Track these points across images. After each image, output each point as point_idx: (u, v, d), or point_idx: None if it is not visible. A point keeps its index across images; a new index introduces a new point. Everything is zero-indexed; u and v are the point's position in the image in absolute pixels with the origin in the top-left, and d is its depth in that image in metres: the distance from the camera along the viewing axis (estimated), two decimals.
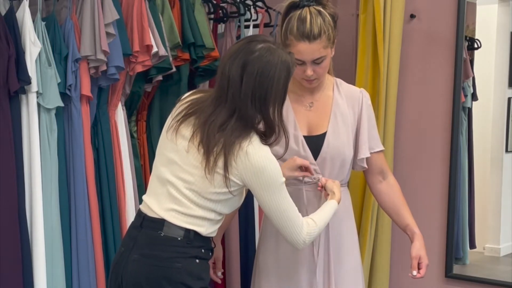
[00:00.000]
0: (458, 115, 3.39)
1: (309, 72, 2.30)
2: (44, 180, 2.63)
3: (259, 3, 3.58)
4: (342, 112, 2.44)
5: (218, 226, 2.19)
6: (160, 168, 2.15)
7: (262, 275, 2.49)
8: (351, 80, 3.33)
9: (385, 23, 3.34)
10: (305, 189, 2.40)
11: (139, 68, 2.88)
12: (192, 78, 3.22)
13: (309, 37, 2.25)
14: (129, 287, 2.11)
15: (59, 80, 2.66)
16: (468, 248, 3.57)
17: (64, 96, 2.69)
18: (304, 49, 2.26)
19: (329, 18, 2.30)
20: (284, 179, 2.11)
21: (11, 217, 2.54)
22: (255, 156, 2.03)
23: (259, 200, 2.12)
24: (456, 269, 3.48)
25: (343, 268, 2.45)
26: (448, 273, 3.46)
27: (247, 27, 3.48)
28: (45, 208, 2.63)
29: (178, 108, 2.16)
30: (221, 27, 3.50)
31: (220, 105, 2.05)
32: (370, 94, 3.33)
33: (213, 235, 2.19)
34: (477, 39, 3.47)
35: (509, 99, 3.49)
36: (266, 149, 2.08)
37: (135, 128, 3.12)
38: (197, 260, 2.11)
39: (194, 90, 2.24)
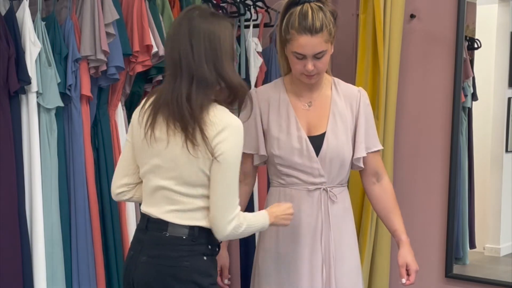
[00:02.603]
0: (458, 115, 3.39)
1: (310, 66, 2.30)
2: (44, 180, 2.63)
3: (259, 3, 3.58)
4: (340, 111, 2.44)
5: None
6: (148, 176, 2.18)
7: (262, 276, 2.49)
8: (351, 80, 3.33)
9: (385, 23, 3.34)
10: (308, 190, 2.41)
11: (139, 68, 2.88)
12: None
13: (311, 30, 2.26)
14: None
15: (59, 80, 2.66)
16: (468, 248, 3.57)
17: (64, 96, 2.69)
18: (306, 43, 2.27)
19: (329, 14, 2.31)
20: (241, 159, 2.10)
21: (11, 217, 2.54)
22: (223, 120, 2.05)
23: (211, 173, 2.08)
24: (456, 269, 3.48)
25: (343, 268, 2.44)
26: (448, 273, 3.46)
27: (247, 27, 3.48)
28: (45, 208, 2.62)
29: (144, 117, 2.16)
30: None
31: (177, 79, 2.07)
32: (370, 94, 3.36)
33: None
34: (477, 39, 3.47)
35: (509, 99, 3.49)
36: (234, 117, 2.09)
37: None
38: (205, 257, 2.12)
39: (147, 96, 2.22)
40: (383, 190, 2.51)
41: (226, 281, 2.54)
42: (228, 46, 2.08)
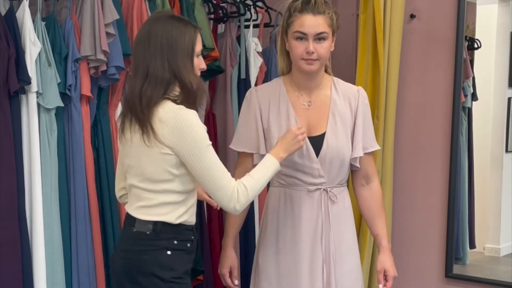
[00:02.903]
0: (458, 115, 3.39)
1: (311, 47, 2.32)
2: (44, 180, 2.63)
3: (259, 3, 3.58)
4: (340, 111, 2.44)
5: (187, 209, 2.24)
6: (126, 176, 2.31)
7: (262, 275, 2.49)
8: (351, 80, 3.33)
9: (385, 23, 3.34)
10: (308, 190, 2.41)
11: None
12: None
13: (314, 10, 2.32)
14: (114, 281, 2.30)
15: (59, 80, 2.66)
16: (468, 248, 3.57)
17: (64, 96, 2.68)
18: (308, 21, 2.31)
19: (332, 10, 2.37)
20: (209, 141, 2.18)
21: (11, 217, 2.54)
22: (175, 115, 2.13)
23: (189, 167, 2.16)
24: (456, 269, 3.48)
25: (343, 268, 2.45)
26: (448, 273, 3.46)
27: (247, 27, 3.48)
28: (45, 208, 2.62)
29: (119, 120, 2.31)
30: (221, 27, 3.50)
31: (136, 78, 2.20)
32: (370, 94, 3.36)
33: (189, 222, 2.25)
34: (477, 39, 3.47)
35: (509, 99, 3.49)
36: (190, 111, 2.16)
37: None
38: (168, 252, 2.19)
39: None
40: (371, 194, 2.52)
41: (236, 282, 2.53)
42: (186, 47, 2.18)
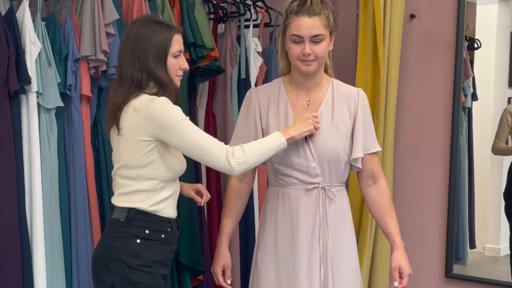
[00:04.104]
0: (458, 115, 3.39)
1: (307, 49, 2.32)
2: (44, 180, 2.63)
3: (259, 3, 3.58)
4: (335, 111, 2.44)
5: (163, 199, 2.30)
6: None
7: (261, 275, 2.49)
8: (351, 80, 3.33)
9: (385, 23, 3.34)
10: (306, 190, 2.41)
11: None
12: (192, 78, 3.22)
13: (309, 12, 2.31)
14: (91, 269, 2.36)
15: (59, 80, 2.66)
16: (468, 248, 3.58)
17: (64, 96, 2.69)
18: (304, 23, 2.31)
19: (329, 9, 2.36)
20: (184, 116, 2.25)
21: (11, 217, 2.54)
22: (143, 101, 2.22)
23: (176, 147, 2.25)
24: (456, 269, 3.48)
25: (341, 267, 2.44)
26: (448, 273, 3.46)
27: (247, 27, 3.48)
28: (45, 208, 2.63)
29: None
30: (221, 27, 3.50)
31: (117, 77, 2.34)
32: (370, 94, 3.36)
33: (165, 214, 2.30)
34: (477, 39, 3.47)
35: (509, 99, 3.49)
36: (160, 98, 2.24)
37: None
38: (138, 240, 2.26)
39: None
40: (379, 193, 2.51)
41: (228, 282, 2.53)
42: (158, 48, 2.26)
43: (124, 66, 2.29)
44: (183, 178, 3.13)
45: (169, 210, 2.34)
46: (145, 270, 2.25)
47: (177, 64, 2.32)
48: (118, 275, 2.24)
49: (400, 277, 2.42)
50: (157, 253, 2.30)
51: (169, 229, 2.33)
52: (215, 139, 2.27)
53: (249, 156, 2.25)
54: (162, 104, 2.22)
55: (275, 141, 2.29)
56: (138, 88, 2.26)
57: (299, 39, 2.32)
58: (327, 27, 2.34)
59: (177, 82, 2.35)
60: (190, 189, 2.56)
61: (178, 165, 2.35)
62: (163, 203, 2.31)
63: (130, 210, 2.28)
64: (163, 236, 2.30)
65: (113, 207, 2.34)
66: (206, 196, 2.56)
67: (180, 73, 2.35)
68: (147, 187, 2.28)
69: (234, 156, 2.23)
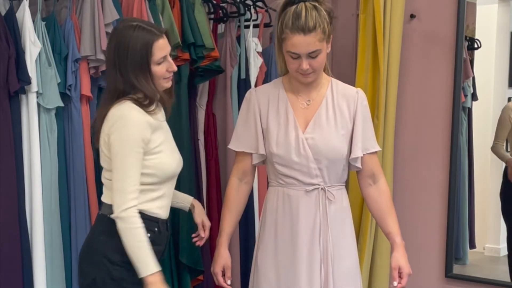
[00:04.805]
0: (458, 115, 3.39)
1: (305, 66, 2.31)
2: (44, 180, 2.63)
3: (259, 3, 3.58)
4: (335, 111, 2.44)
5: (150, 200, 2.27)
6: None
7: (261, 275, 2.49)
8: (351, 80, 3.33)
9: (385, 23, 3.34)
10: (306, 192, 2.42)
11: None
12: (192, 78, 3.22)
13: (304, 29, 2.28)
14: (78, 264, 2.35)
15: (59, 80, 2.66)
16: (468, 248, 3.58)
17: (64, 96, 2.69)
18: (299, 42, 2.28)
19: (325, 13, 2.32)
20: (139, 149, 2.18)
21: (11, 217, 2.54)
22: (116, 110, 2.20)
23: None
24: (456, 269, 3.48)
25: (341, 267, 2.44)
26: (448, 273, 3.46)
27: (247, 27, 3.48)
28: (45, 208, 2.63)
29: None
30: (221, 27, 3.50)
31: (104, 94, 2.34)
32: (370, 94, 3.36)
33: (153, 214, 2.27)
34: (477, 39, 3.47)
35: (509, 99, 3.49)
36: (133, 111, 2.20)
37: None
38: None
39: None
40: (379, 193, 2.51)
41: (228, 282, 2.53)
42: (139, 59, 2.21)
43: (108, 78, 2.28)
44: (183, 178, 3.15)
45: (158, 211, 2.30)
46: (126, 267, 2.22)
47: (163, 70, 2.27)
48: (101, 270, 2.23)
49: (400, 276, 2.42)
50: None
51: (156, 229, 2.30)
52: (133, 192, 2.18)
53: (126, 231, 2.18)
54: (129, 117, 2.18)
55: (144, 261, 2.19)
56: (119, 98, 2.23)
57: (296, 56, 2.32)
58: (323, 40, 2.31)
59: (166, 84, 2.31)
60: (200, 218, 2.56)
61: (166, 167, 2.30)
62: (151, 203, 2.28)
63: None
64: (149, 235, 2.26)
65: (101, 203, 2.34)
66: (205, 237, 2.58)
67: (168, 75, 2.30)
68: None
69: (122, 224, 2.17)
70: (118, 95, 2.23)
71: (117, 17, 2.76)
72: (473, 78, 3.51)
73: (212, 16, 3.41)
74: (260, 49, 3.49)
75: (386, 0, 3.32)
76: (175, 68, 2.32)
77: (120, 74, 2.22)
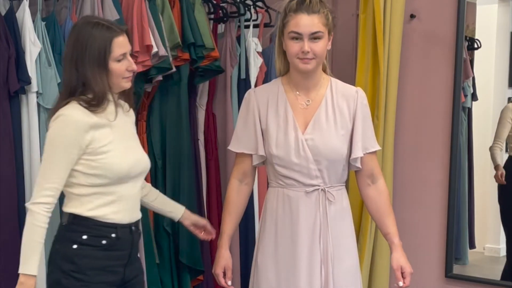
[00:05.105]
0: (458, 115, 3.39)
1: (306, 47, 2.32)
2: None
3: (259, 3, 3.58)
4: (335, 111, 2.44)
5: (104, 204, 2.21)
6: None
7: (261, 275, 2.49)
8: (351, 80, 3.33)
9: (385, 23, 3.34)
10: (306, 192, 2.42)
11: (139, 68, 2.87)
12: (192, 78, 3.22)
13: (308, 10, 2.32)
14: None
15: (59, 80, 2.66)
16: (468, 248, 3.57)
17: None
18: (303, 21, 2.31)
19: (328, 9, 2.37)
20: (69, 150, 2.14)
21: (11, 217, 2.54)
22: (60, 110, 2.15)
23: None
24: (456, 269, 3.48)
25: (341, 268, 2.44)
26: (448, 273, 3.46)
27: (247, 27, 3.48)
28: None
29: None
30: (221, 27, 3.50)
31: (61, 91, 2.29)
32: (370, 94, 3.36)
33: (108, 219, 2.21)
34: (477, 39, 3.47)
35: (509, 99, 3.49)
36: (74, 110, 2.15)
37: (135, 128, 3.12)
38: (75, 245, 2.19)
39: None
40: (377, 193, 2.51)
41: (229, 283, 2.52)
42: (97, 54, 2.16)
43: (64, 74, 2.23)
44: (183, 178, 3.14)
45: (113, 216, 2.22)
46: (77, 277, 2.17)
47: (122, 68, 2.21)
48: (52, 278, 2.21)
49: (403, 276, 2.43)
50: (96, 259, 2.21)
51: (112, 235, 2.21)
52: (49, 189, 2.14)
53: (31, 223, 2.13)
54: (62, 117, 2.14)
55: (28, 260, 2.14)
56: (72, 95, 2.19)
57: (298, 36, 2.32)
58: (326, 25, 2.34)
59: (125, 84, 2.26)
60: (191, 222, 2.55)
61: (115, 168, 2.21)
62: (104, 209, 2.21)
63: (70, 215, 2.22)
64: (104, 242, 2.20)
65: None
66: (212, 232, 2.58)
67: (128, 74, 2.25)
68: (80, 192, 2.20)
69: (34, 209, 2.13)
70: (71, 91, 2.18)
71: (117, 17, 2.76)
72: (473, 78, 3.51)
73: (212, 16, 3.41)
74: (260, 49, 3.49)
75: (386, 0, 3.32)
76: (135, 68, 2.28)
77: (76, 69, 2.17)
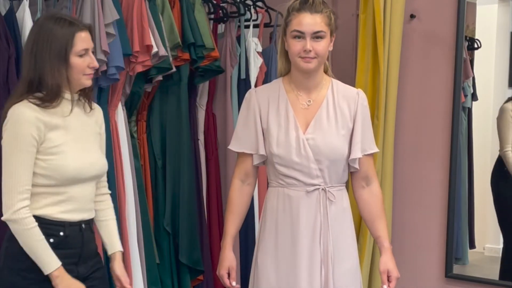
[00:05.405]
0: (458, 115, 3.39)
1: (308, 46, 2.33)
2: None
3: (259, 3, 3.58)
4: (336, 112, 2.45)
5: (52, 204, 2.18)
6: None
7: (261, 275, 2.49)
8: (351, 80, 3.34)
9: (385, 23, 3.34)
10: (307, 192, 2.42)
11: (139, 68, 2.88)
12: (192, 78, 3.22)
13: (311, 9, 2.34)
14: None
15: None
16: (468, 248, 3.57)
17: None
18: (305, 20, 2.33)
19: (330, 10, 2.39)
20: (29, 148, 2.11)
21: None
22: (12, 109, 2.13)
23: None
24: (456, 269, 3.48)
25: (341, 268, 2.45)
26: (448, 273, 3.46)
27: (247, 27, 3.48)
28: None
29: None
30: (221, 27, 3.50)
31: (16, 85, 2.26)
32: (370, 94, 3.36)
33: (56, 218, 2.18)
34: (477, 39, 3.47)
35: (509, 99, 3.49)
36: (26, 109, 2.12)
37: (135, 128, 3.12)
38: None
39: None
40: (371, 196, 2.52)
41: (234, 283, 2.52)
42: (58, 47, 2.14)
43: (23, 67, 2.20)
44: (183, 178, 3.14)
45: (62, 215, 2.19)
46: (23, 275, 2.16)
47: (84, 63, 2.17)
48: (2, 277, 2.18)
49: (388, 280, 2.44)
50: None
51: (60, 233, 2.18)
52: (23, 192, 2.11)
53: (23, 230, 2.12)
54: (17, 116, 2.11)
55: (45, 260, 2.13)
56: (28, 88, 2.16)
57: (300, 35, 2.33)
58: (328, 25, 2.36)
59: (86, 81, 2.22)
60: (113, 267, 2.42)
61: (63, 170, 2.17)
62: (52, 208, 2.17)
63: None
64: (52, 240, 2.17)
65: None
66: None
67: (89, 71, 2.21)
68: (34, 190, 2.16)
69: (19, 216, 2.10)
70: (28, 86, 2.15)
71: (117, 17, 2.76)
72: (473, 78, 3.51)
73: (212, 16, 3.41)
74: (260, 49, 3.50)
75: (386, 0, 3.32)
76: (97, 65, 2.25)
77: (35, 62, 2.14)
